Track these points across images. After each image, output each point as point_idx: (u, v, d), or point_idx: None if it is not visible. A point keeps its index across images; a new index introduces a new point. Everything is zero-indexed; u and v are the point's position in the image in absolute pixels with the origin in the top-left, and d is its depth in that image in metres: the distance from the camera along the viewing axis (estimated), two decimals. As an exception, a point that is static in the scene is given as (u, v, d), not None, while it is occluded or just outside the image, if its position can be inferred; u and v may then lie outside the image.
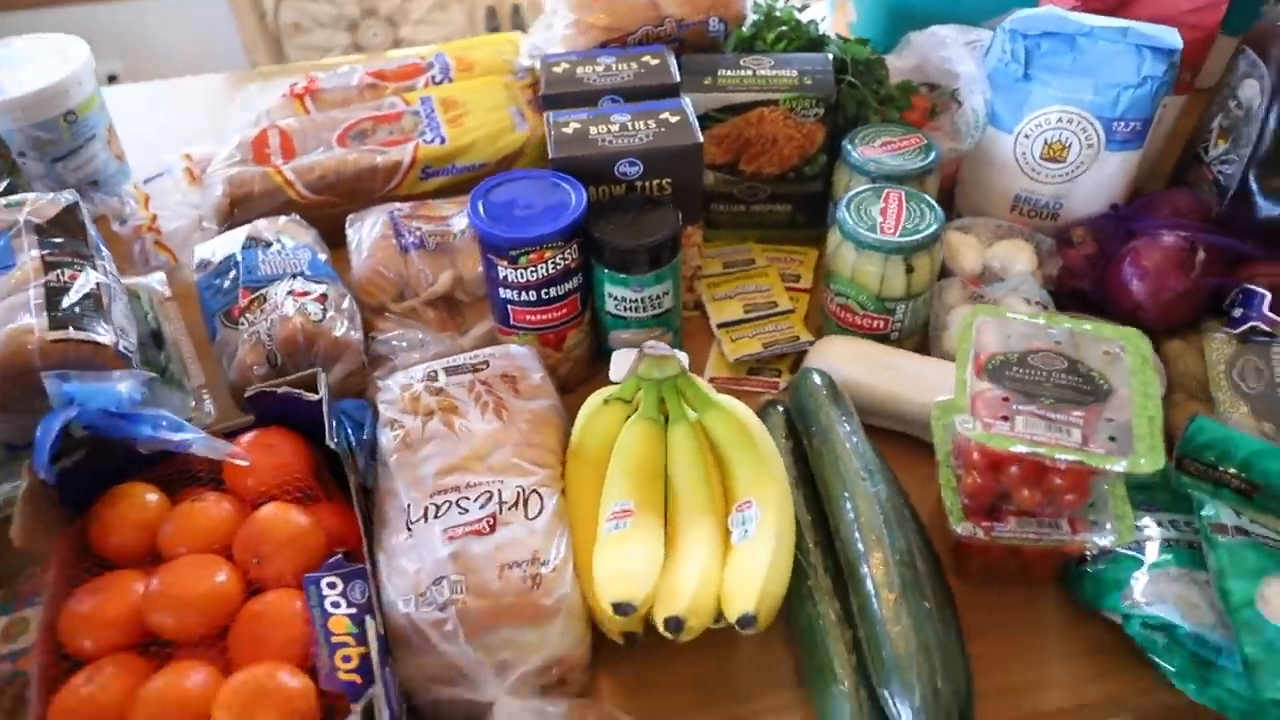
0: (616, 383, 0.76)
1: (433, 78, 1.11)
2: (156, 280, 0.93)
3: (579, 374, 0.89)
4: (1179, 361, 0.84)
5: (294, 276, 0.87)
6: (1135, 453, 0.63)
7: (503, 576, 0.65)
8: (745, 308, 0.94)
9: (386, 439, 0.75)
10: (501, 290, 0.82)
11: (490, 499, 0.69)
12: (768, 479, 0.70)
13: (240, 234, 0.92)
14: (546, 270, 0.80)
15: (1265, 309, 0.81)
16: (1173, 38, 0.86)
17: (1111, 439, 0.64)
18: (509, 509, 0.69)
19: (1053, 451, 0.63)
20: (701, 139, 0.83)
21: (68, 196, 0.85)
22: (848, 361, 0.83)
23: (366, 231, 0.94)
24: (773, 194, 0.98)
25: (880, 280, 0.83)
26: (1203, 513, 0.70)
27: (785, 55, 0.95)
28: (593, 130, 0.84)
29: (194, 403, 0.84)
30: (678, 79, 0.91)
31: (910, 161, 0.89)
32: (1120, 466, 0.62)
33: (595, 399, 0.76)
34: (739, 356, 0.89)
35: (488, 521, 0.68)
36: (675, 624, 0.62)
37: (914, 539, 0.70)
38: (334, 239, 0.97)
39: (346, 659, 0.63)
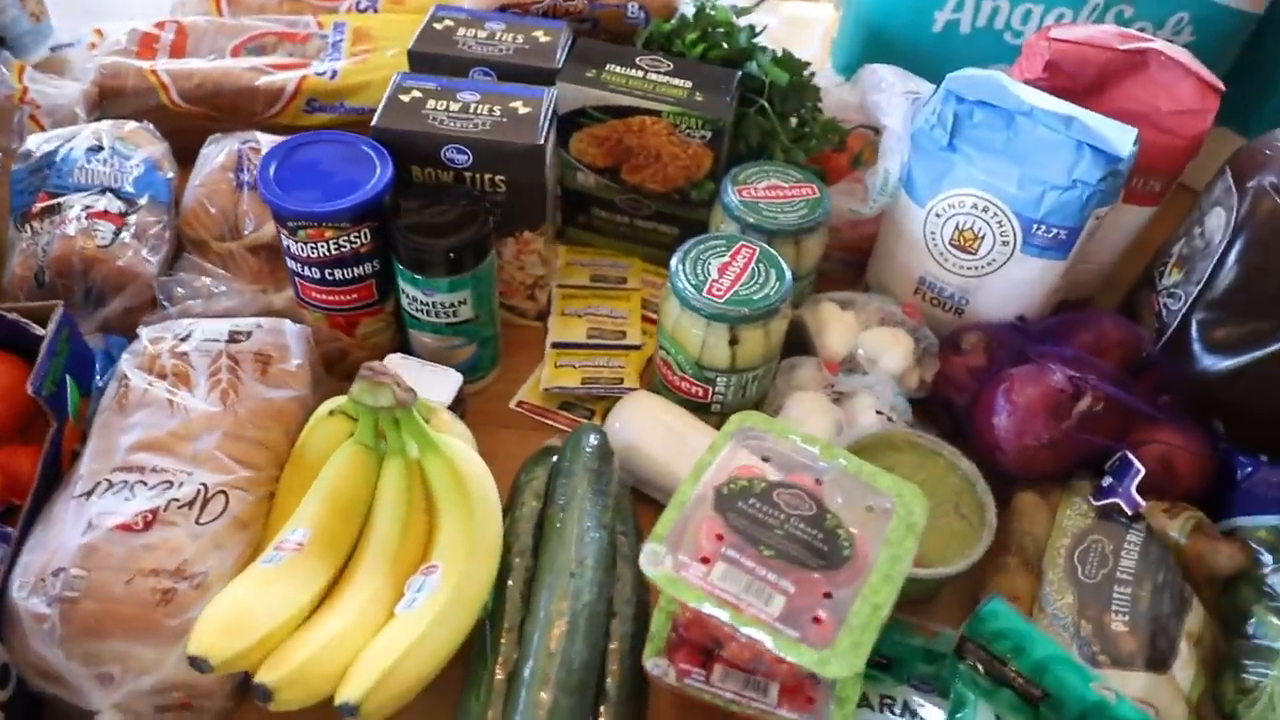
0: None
1: (357, 3, 1.02)
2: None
3: (376, 364, 0.81)
4: (1024, 519, 0.71)
5: (104, 191, 0.81)
6: (832, 646, 0.52)
7: (132, 583, 0.59)
8: (589, 332, 0.85)
9: (108, 395, 0.69)
10: (289, 260, 0.74)
11: (166, 489, 0.63)
12: (464, 545, 0.62)
13: (81, 131, 0.86)
14: (329, 249, 0.71)
15: (1132, 487, 0.68)
16: (1123, 141, 0.70)
17: (816, 620, 0.53)
18: (178, 507, 0.62)
19: (735, 619, 0.53)
20: (542, 141, 0.73)
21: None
22: (644, 425, 0.73)
23: (213, 158, 0.87)
24: (658, 212, 0.87)
25: (701, 346, 0.72)
26: (957, 716, 0.60)
27: (691, 63, 0.82)
28: (430, 104, 0.75)
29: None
30: (559, 64, 0.80)
31: (786, 214, 0.76)
32: (801, 659, 0.51)
33: (324, 407, 0.68)
34: (550, 387, 0.80)
35: (144, 517, 0.61)
36: (262, 693, 0.54)
37: (616, 654, 0.61)
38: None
39: (-56, 629, 0.58)
